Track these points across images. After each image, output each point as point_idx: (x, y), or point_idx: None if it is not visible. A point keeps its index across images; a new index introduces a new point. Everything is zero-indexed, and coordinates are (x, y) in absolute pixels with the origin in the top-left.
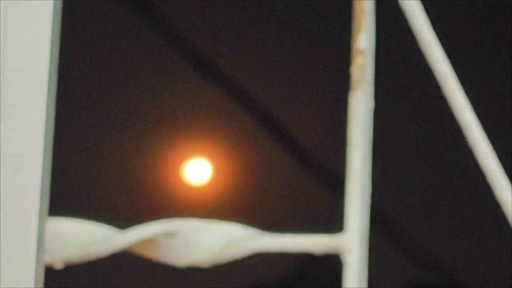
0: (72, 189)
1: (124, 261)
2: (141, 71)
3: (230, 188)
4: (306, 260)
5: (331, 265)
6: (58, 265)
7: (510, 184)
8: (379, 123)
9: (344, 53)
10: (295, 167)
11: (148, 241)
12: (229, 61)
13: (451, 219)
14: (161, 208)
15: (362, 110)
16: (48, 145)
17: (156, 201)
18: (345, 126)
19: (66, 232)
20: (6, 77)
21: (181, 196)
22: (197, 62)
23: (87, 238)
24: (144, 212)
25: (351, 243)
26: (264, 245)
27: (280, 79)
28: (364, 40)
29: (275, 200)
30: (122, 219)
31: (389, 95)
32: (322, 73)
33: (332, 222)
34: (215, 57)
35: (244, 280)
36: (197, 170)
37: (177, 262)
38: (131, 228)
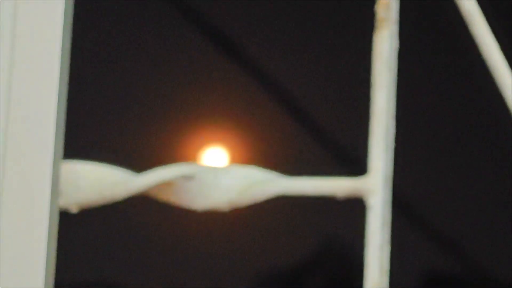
0: None
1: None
2: (160, 57)
3: None
4: (320, 251)
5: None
6: (73, 209)
7: None
8: (401, 102)
9: (365, 35)
10: (317, 155)
11: (166, 184)
12: (248, 47)
13: (475, 206)
14: None
15: (386, 49)
16: (63, 88)
17: None
18: (369, 114)
19: (81, 175)
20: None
21: None
22: (216, 48)
23: (103, 181)
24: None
25: (374, 185)
26: (285, 188)
27: (302, 65)
28: None
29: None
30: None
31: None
32: (345, 58)
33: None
34: (234, 42)
35: (257, 270)
36: (214, 158)
37: (195, 206)
38: (147, 171)
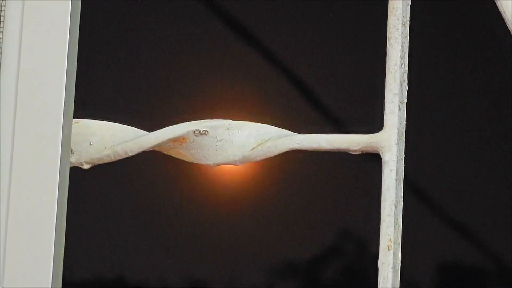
0: None
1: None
2: (183, 42)
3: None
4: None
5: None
6: (85, 166)
7: None
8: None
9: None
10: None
11: (178, 140)
12: (266, 34)
13: (492, 196)
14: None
15: (400, 4)
16: (73, 46)
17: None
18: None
19: (93, 132)
20: None
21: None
22: (234, 32)
23: (115, 138)
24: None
25: (389, 141)
26: (299, 143)
27: (321, 55)
28: None
29: (311, 170)
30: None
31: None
32: (361, 52)
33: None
34: (250, 25)
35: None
36: None
37: (208, 161)
38: (160, 129)
